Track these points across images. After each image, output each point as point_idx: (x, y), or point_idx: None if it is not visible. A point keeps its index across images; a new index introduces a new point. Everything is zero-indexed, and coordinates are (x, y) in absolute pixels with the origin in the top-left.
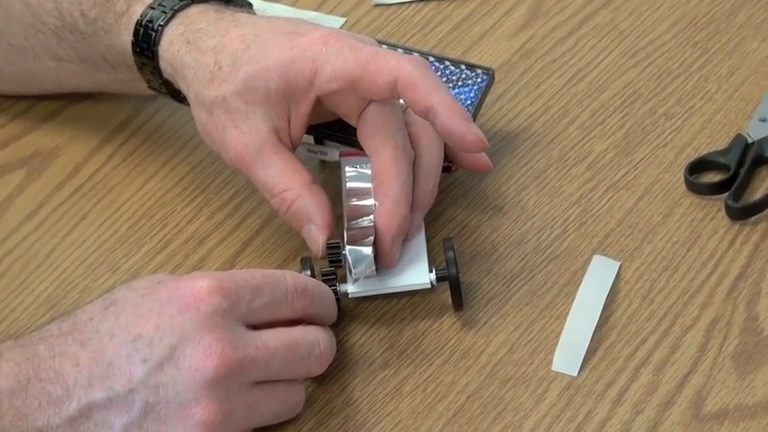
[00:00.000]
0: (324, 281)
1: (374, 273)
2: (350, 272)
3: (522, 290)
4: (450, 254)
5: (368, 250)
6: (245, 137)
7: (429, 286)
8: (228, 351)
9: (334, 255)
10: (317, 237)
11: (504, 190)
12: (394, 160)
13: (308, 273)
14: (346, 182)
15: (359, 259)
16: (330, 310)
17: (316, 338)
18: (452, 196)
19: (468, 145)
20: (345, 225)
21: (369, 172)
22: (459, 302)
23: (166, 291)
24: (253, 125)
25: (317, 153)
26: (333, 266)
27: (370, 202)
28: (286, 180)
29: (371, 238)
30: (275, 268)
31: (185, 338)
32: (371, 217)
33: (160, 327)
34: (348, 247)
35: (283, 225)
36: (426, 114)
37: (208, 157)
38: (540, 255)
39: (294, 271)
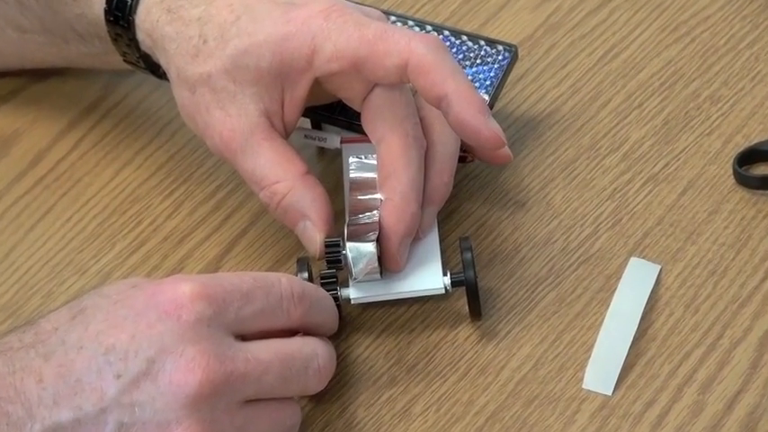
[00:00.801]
0: (322, 285)
1: (377, 274)
2: (350, 273)
3: (548, 297)
4: (467, 255)
5: (370, 246)
6: (232, 120)
7: (443, 292)
8: (214, 365)
9: (333, 255)
10: (313, 235)
11: (528, 183)
12: (403, 149)
13: (306, 276)
14: (349, 173)
15: (359, 256)
16: (330, 318)
17: (314, 351)
18: (469, 190)
19: (484, 142)
20: (347, 220)
21: (374, 162)
22: (476, 310)
23: (143, 297)
24: (241, 107)
25: (314, 139)
26: (333, 268)
27: (375, 196)
28: (277, 170)
29: (375, 233)
30: (267, 271)
31: (165, 351)
32: (376, 212)
33: (136, 337)
34: (348, 244)
35: (275, 221)
36: (439, 103)
37: (190, 143)
38: (568, 257)
39: (289, 274)
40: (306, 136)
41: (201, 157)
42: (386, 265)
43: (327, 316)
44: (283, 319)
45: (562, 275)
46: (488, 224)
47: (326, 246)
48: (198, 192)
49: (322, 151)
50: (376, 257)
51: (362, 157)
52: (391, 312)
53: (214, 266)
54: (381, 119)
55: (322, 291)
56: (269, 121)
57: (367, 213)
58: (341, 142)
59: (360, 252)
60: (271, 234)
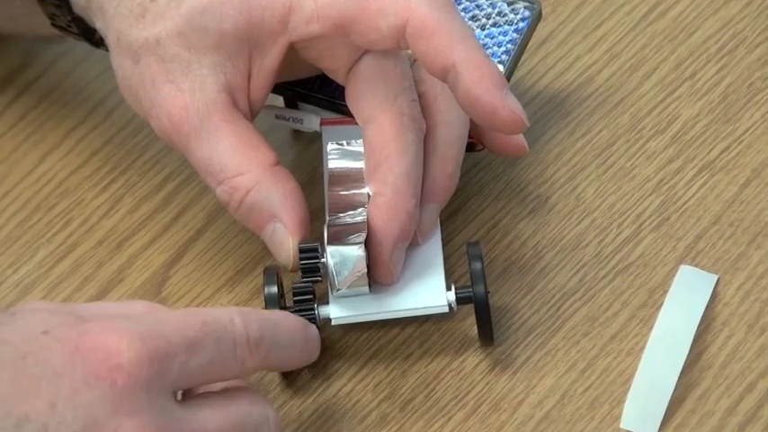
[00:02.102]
0: (295, 302)
1: (365, 286)
2: (332, 284)
3: (577, 314)
4: (477, 264)
5: (356, 250)
6: (184, 97)
7: (446, 310)
8: None
9: (310, 262)
10: (284, 239)
11: (553, 173)
12: (396, 133)
13: (274, 290)
14: (328, 162)
15: (343, 263)
16: (297, 355)
17: (263, 414)
18: (479, 183)
19: (501, 123)
20: (327, 220)
21: (360, 149)
22: (487, 333)
23: (62, 350)
24: (196, 81)
25: (288, 120)
26: (308, 280)
27: (362, 190)
28: (239, 160)
29: (363, 234)
30: (227, 282)
31: (95, 425)
32: (363, 210)
33: (57, 407)
34: (329, 248)
35: (237, 222)
36: (445, 75)
37: (130, 124)
38: (603, 265)
39: (244, 307)
40: (277, 116)
41: (145, 141)
42: (375, 277)
43: (294, 353)
44: (236, 369)
45: (595, 288)
46: (503, 225)
47: (301, 251)
48: (141, 184)
49: (297, 135)
50: (364, 264)
51: (345, 143)
52: (381, 335)
53: (161, 277)
54: (371, 94)
55: (289, 321)
56: (230, 99)
57: (351, 212)
58: (320, 124)
59: (344, 257)
60: (231, 237)
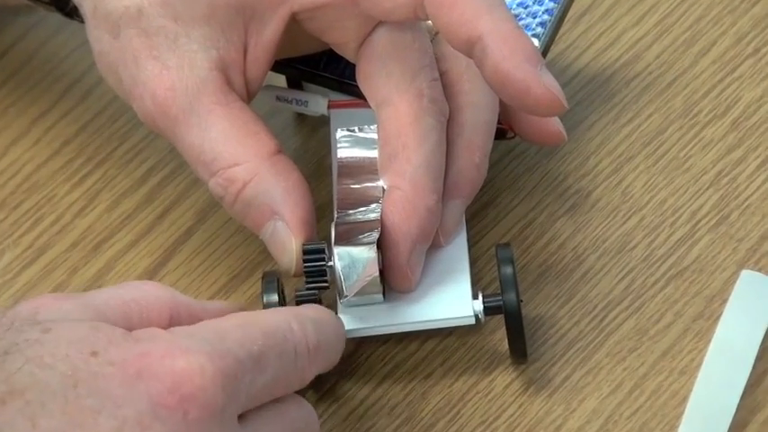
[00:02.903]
0: None
1: (378, 294)
2: (340, 290)
3: (624, 327)
4: (507, 269)
5: (367, 251)
6: (171, 76)
7: (472, 322)
8: None
9: (315, 265)
10: (286, 239)
11: (595, 164)
12: (415, 117)
13: (275, 299)
14: (337, 151)
15: (353, 266)
16: (338, 354)
17: (310, 415)
18: (511, 175)
19: (535, 103)
20: (335, 217)
21: (373, 136)
22: (520, 348)
23: (122, 376)
24: (184, 57)
25: (290, 102)
26: (315, 286)
27: (376, 183)
28: (236, 148)
29: (375, 234)
30: (220, 290)
31: None
32: (377, 206)
33: None
34: (337, 249)
35: (232, 220)
36: (470, 49)
37: (109, 108)
38: (653, 270)
39: (296, 307)
40: (278, 98)
41: (126, 128)
42: (391, 283)
43: (336, 354)
44: (296, 382)
45: (644, 296)
46: (538, 224)
47: (305, 253)
48: (121, 178)
49: (301, 119)
50: (377, 268)
51: (357, 129)
52: (398, 351)
53: None
54: (385, 73)
55: (329, 317)
56: (224, 77)
57: (362, 208)
58: (328, 107)
59: (353, 259)
60: (225, 238)
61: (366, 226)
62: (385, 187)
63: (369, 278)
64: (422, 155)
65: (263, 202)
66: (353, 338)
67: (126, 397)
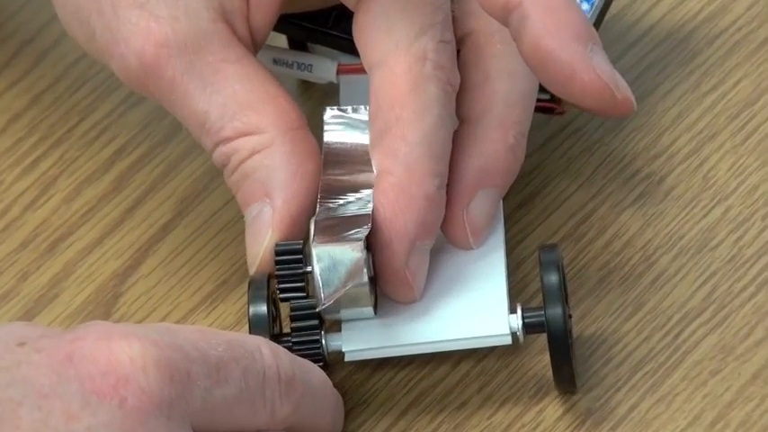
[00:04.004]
0: (295, 328)
1: (369, 308)
2: (318, 301)
3: (704, 344)
4: (552, 278)
5: (351, 252)
6: (163, 28)
7: (508, 341)
8: None
9: (288, 271)
10: (263, 230)
11: (669, 143)
12: (414, 84)
13: (263, 309)
14: (324, 135)
15: (333, 268)
16: (331, 418)
17: None
18: (564, 157)
19: (581, 92)
20: (317, 210)
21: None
22: (567, 375)
23: (49, 361)
24: (179, 4)
25: (291, 66)
26: (287, 296)
27: (367, 175)
28: (249, 116)
29: (364, 230)
30: (204, 300)
31: None
32: (367, 195)
33: None
34: (315, 249)
35: (224, 210)
36: (506, 16)
37: (69, 74)
38: (740, 273)
39: (270, 341)
40: (276, 61)
41: (89, 99)
42: (389, 291)
43: (327, 414)
44: (263, 416)
45: (729, 306)
46: (598, 218)
47: (278, 254)
48: (82, 161)
49: (306, 87)
50: (364, 272)
51: (349, 109)
52: (424, 375)
53: (111, 293)
54: (385, 27)
55: (319, 370)
56: (229, 29)
57: (350, 199)
58: (337, 72)
59: (335, 261)
60: (212, 235)
61: (354, 221)
62: (375, 171)
63: (354, 285)
64: (420, 130)
65: (259, 178)
66: (359, 361)
67: (52, 385)
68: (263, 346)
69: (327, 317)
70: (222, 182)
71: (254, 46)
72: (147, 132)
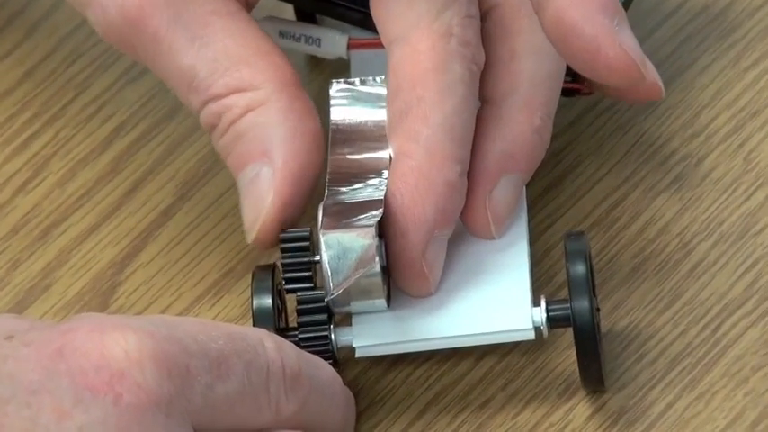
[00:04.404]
0: (302, 321)
1: (381, 300)
2: (327, 291)
3: (746, 337)
4: (579, 269)
5: (363, 238)
6: None
7: (531, 336)
8: None
9: (294, 260)
10: (264, 193)
11: (708, 121)
12: (437, 62)
13: (267, 301)
14: (331, 111)
15: (343, 255)
16: (341, 417)
17: None
18: (594, 138)
19: (606, 70)
20: (326, 194)
21: (381, 91)
22: (594, 372)
23: (37, 356)
24: None
25: (298, 40)
26: (293, 287)
27: (381, 154)
28: (242, 71)
29: (376, 215)
30: (208, 290)
31: None
32: (382, 183)
33: None
34: (324, 236)
35: (225, 196)
36: None
37: (63, 46)
38: None
39: (275, 334)
40: (282, 34)
41: (86, 73)
42: (402, 284)
43: (337, 413)
44: (268, 413)
45: None
46: (630, 203)
47: (283, 242)
48: (78, 140)
49: (314, 63)
50: (376, 261)
51: (357, 81)
52: (444, 371)
53: (108, 282)
54: (405, 1)
55: (327, 366)
56: None
57: (361, 184)
58: (348, 48)
59: (344, 248)
60: (217, 219)
61: (364, 207)
62: (392, 155)
63: (365, 273)
64: (443, 112)
65: (255, 137)
66: (371, 357)
67: (42, 381)
68: (267, 340)
69: (337, 310)
70: None
71: (248, 4)
72: (147, 109)
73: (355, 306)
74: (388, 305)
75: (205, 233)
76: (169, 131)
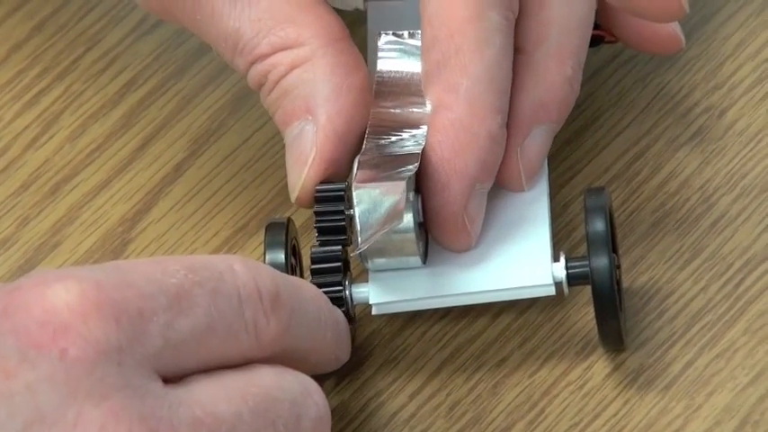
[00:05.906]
0: (315, 273)
1: (415, 255)
2: (356, 246)
3: (767, 295)
4: (598, 225)
5: (395, 193)
6: None
7: (552, 292)
8: None
9: (329, 211)
10: (307, 150)
11: (731, 72)
12: (474, 12)
13: (281, 256)
14: (377, 63)
15: (374, 210)
16: (332, 339)
17: (304, 388)
18: (615, 89)
19: (646, 3)
20: (363, 147)
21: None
22: (613, 331)
23: None
24: None
25: None
26: (326, 238)
27: (422, 109)
28: (287, 30)
29: (411, 168)
30: (221, 246)
31: (43, 422)
32: (419, 133)
33: None
34: (356, 190)
35: (237, 151)
36: None
37: None
38: None
39: (252, 258)
40: None
41: (97, 26)
42: (441, 239)
43: (325, 335)
44: (247, 339)
45: None
46: (652, 155)
47: (318, 193)
48: (88, 95)
49: None
50: (410, 217)
51: (406, 34)
52: (460, 329)
53: (119, 239)
54: None
55: (312, 288)
56: None
57: (400, 136)
58: None
59: (375, 203)
60: (230, 174)
61: (401, 160)
62: (430, 108)
63: (393, 228)
64: (482, 62)
65: (301, 94)
66: (388, 315)
67: None
68: (237, 264)
69: (370, 268)
70: (241, 117)
71: None
72: (159, 63)
73: (389, 263)
74: (424, 262)
75: (217, 189)
76: (181, 86)
